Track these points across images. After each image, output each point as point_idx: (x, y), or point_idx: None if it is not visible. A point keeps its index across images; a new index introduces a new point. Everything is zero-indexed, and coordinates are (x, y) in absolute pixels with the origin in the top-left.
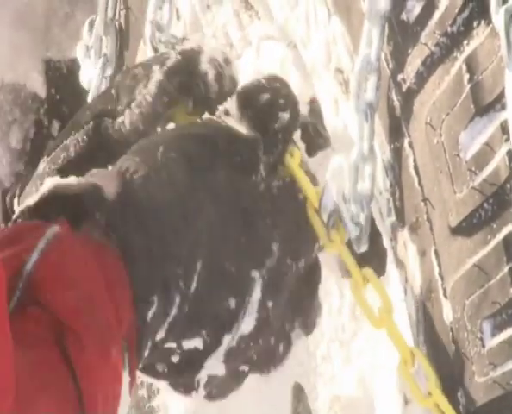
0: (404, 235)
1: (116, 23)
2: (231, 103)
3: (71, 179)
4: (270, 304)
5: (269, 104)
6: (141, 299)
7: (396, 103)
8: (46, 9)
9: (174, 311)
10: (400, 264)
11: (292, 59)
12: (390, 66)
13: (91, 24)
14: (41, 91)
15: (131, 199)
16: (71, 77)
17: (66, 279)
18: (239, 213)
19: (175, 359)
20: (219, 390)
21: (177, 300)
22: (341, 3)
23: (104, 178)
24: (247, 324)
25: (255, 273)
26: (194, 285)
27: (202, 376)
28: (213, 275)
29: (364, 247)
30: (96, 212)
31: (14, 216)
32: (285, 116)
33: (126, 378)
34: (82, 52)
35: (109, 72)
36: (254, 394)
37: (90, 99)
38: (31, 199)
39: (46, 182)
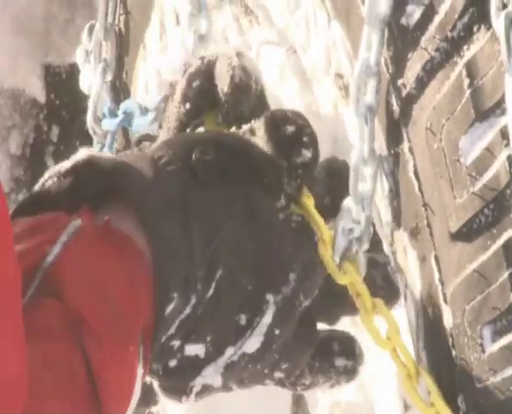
0: (404, 240)
1: (116, 28)
2: (258, 124)
3: (106, 154)
4: (277, 332)
5: (293, 137)
6: (163, 293)
7: (396, 107)
8: (46, 14)
9: (188, 310)
10: (400, 270)
11: (292, 64)
12: (390, 71)
13: (91, 29)
14: (41, 97)
15: (162, 189)
16: (71, 82)
17: (87, 274)
18: (263, 232)
19: (172, 363)
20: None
21: (193, 301)
22: (341, 8)
23: (138, 161)
24: (252, 344)
25: (270, 297)
26: (211, 291)
27: (197, 384)
28: (230, 287)
29: (365, 247)
30: (125, 192)
31: (42, 180)
32: (307, 153)
33: (140, 371)
34: (81, 57)
35: (108, 77)
36: (253, 400)
37: (89, 105)
38: (63, 165)
39: (81, 151)
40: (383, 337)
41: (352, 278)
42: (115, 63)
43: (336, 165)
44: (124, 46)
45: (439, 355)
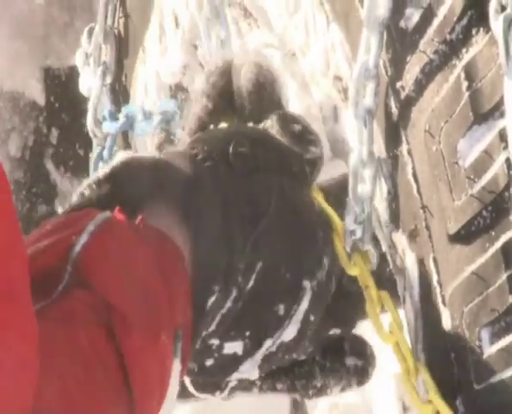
0: (403, 242)
1: (115, 31)
2: (270, 123)
3: (145, 153)
4: (312, 317)
5: (301, 135)
6: (203, 287)
7: (395, 110)
8: (46, 17)
9: (229, 304)
10: (398, 271)
11: (291, 67)
12: (389, 74)
13: (90, 32)
14: (40, 99)
15: (201, 185)
16: (71, 84)
17: (116, 261)
18: (298, 219)
19: (209, 362)
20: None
21: (234, 294)
22: (340, 11)
23: (176, 159)
24: (289, 333)
25: (307, 283)
26: (251, 283)
27: (233, 379)
28: (269, 278)
29: (367, 247)
30: (167, 188)
31: (80, 189)
32: (315, 150)
33: (177, 366)
34: (81, 59)
35: (108, 79)
36: (252, 403)
37: (89, 108)
38: (101, 171)
39: (119, 155)
40: (386, 331)
41: (361, 270)
42: (115, 66)
43: None
44: (123, 48)
45: (437, 357)
